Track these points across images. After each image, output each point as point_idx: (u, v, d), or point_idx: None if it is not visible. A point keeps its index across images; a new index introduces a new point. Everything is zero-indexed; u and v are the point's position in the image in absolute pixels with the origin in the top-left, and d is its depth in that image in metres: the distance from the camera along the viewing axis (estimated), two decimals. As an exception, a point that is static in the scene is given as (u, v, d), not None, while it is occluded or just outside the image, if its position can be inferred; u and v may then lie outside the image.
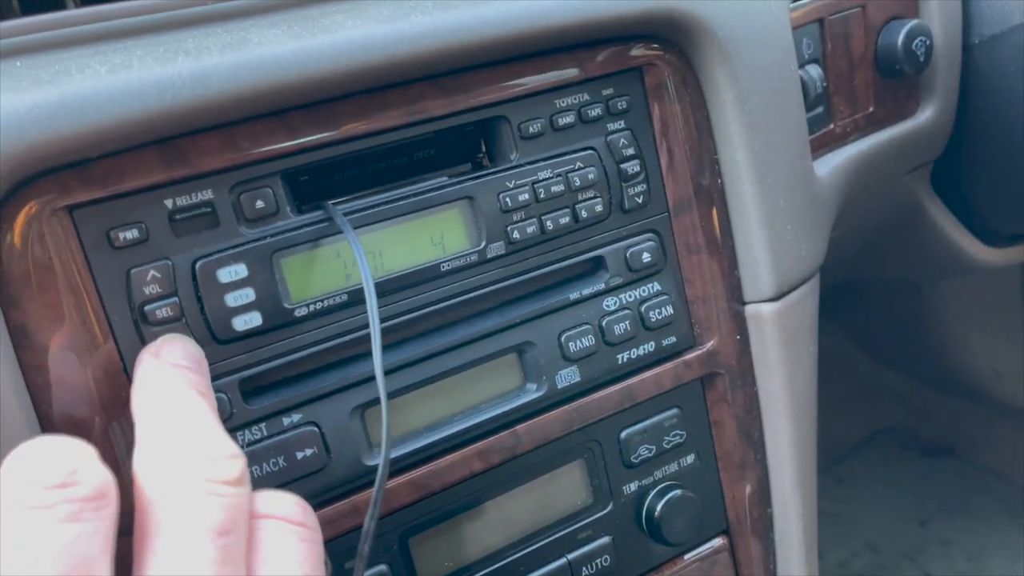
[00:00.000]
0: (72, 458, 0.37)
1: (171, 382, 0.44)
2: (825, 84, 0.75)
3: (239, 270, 0.50)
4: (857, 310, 1.63)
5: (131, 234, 0.47)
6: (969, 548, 1.58)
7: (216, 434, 0.41)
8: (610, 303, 0.63)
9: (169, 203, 0.48)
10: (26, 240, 0.45)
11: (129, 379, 0.47)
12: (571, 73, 0.59)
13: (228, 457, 0.40)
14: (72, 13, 0.52)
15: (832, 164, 0.75)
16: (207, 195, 0.49)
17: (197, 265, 0.49)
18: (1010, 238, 0.99)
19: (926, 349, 1.58)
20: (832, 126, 0.77)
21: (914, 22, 0.78)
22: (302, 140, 0.51)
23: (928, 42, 0.78)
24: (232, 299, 0.50)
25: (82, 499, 0.36)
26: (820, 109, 0.76)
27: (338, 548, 0.55)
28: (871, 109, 0.80)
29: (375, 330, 0.50)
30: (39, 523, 0.35)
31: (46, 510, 0.35)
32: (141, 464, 0.40)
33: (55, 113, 0.43)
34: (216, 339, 0.50)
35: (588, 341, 0.61)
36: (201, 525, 0.38)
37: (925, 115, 0.84)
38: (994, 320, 1.51)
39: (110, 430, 0.47)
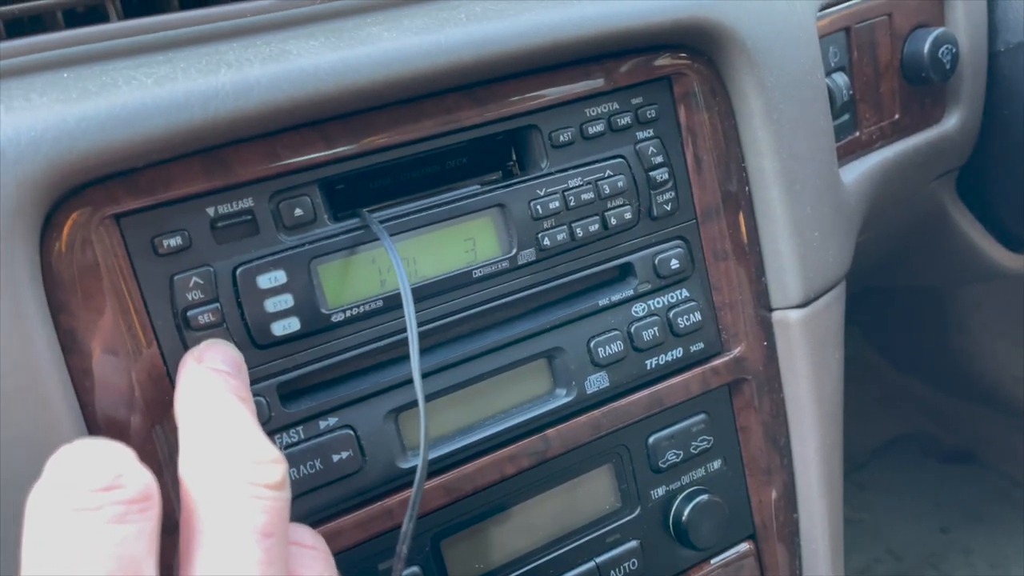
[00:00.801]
0: (116, 461, 0.38)
1: (213, 387, 0.45)
2: (851, 92, 0.76)
3: (278, 276, 0.51)
4: (879, 316, 1.62)
5: (175, 241, 0.49)
6: (991, 555, 1.57)
7: (258, 439, 0.42)
8: (639, 309, 0.63)
9: (211, 211, 0.50)
10: (74, 247, 0.46)
11: (172, 383, 0.49)
12: (601, 83, 0.60)
13: (271, 461, 0.41)
14: (116, 26, 0.54)
15: (858, 171, 0.76)
16: (247, 203, 0.50)
17: (238, 272, 0.50)
18: (1035, 245, 0.98)
19: (948, 356, 1.58)
20: (858, 133, 0.77)
21: (940, 30, 0.78)
22: (339, 150, 0.52)
23: (954, 50, 0.78)
24: (271, 305, 0.51)
25: (127, 501, 0.37)
26: (846, 117, 0.76)
27: (372, 550, 0.56)
28: (897, 116, 0.80)
29: (412, 335, 0.51)
30: (86, 525, 0.36)
31: (93, 512, 0.36)
32: (186, 468, 0.41)
33: (104, 124, 0.45)
34: (255, 344, 0.51)
35: (617, 347, 0.62)
36: (246, 527, 0.39)
37: (951, 122, 0.84)
38: (1018, 327, 1.50)
39: (154, 432, 0.49)
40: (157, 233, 0.48)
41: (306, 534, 0.45)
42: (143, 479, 0.38)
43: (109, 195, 0.47)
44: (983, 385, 1.57)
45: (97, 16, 0.56)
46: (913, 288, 1.50)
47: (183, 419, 0.44)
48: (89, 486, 0.37)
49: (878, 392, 1.78)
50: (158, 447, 0.49)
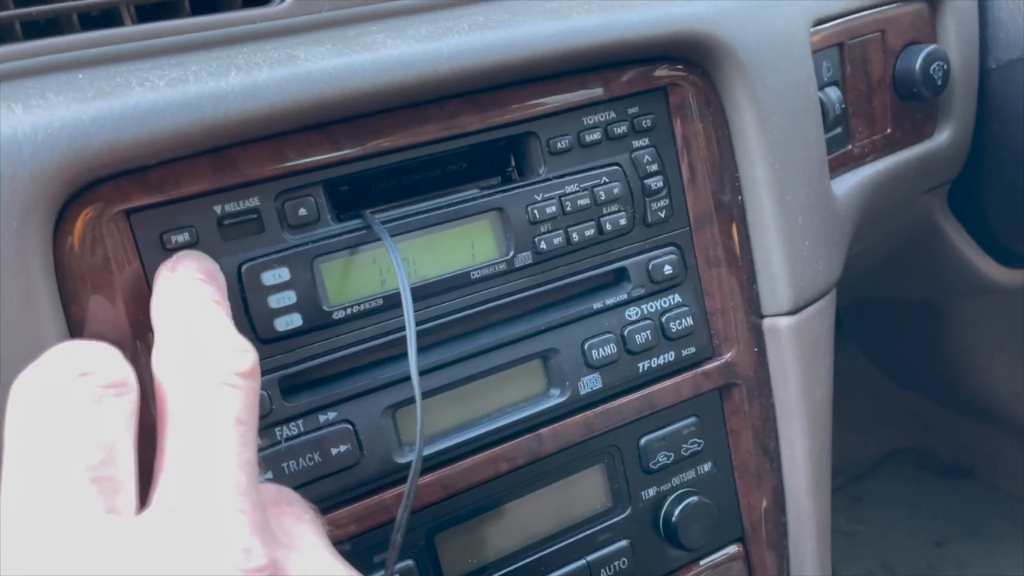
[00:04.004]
0: (96, 353, 0.40)
1: (186, 292, 0.46)
2: (844, 106, 0.77)
3: (282, 274, 0.53)
4: (876, 330, 1.64)
5: (183, 237, 0.50)
6: (985, 570, 1.58)
7: (228, 331, 0.43)
8: (632, 313, 0.65)
9: (218, 209, 0.51)
10: (85, 241, 0.48)
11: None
12: (598, 92, 0.62)
13: (240, 351, 0.42)
14: (129, 29, 0.56)
15: (850, 183, 0.77)
16: (254, 202, 0.52)
17: (243, 268, 0.52)
18: (1026, 259, 1.00)
19: (945, 370, 1.59)
20: (850, 146, 0.79)
21: (932, 47, 0.80)
22: (343, 152, 0.54)
23: (945, 66, 0.80)
24: (275, 301, 0.53)
25: (103, 385, 0.39)
26: (839, 130, 0.78)
27: (368, 542, 0.57)
28: (889, 130, 0.82)
29: (411, 333, 0.52)
30: (62, 405, 0.38)
31: (71, 394, 0.38)
32: (159, 363, 0.42)
33: (118, 123, 0.46)
34: (259, 338, 0.53)
35: (610, 349, 0.64)
36: (219, 413, 0.40)
37: (942, 137, 0.86)
38: (1015, 342, 1.51)
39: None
40: (166, 229, 0.50)
41: (295, 501, 0.45)
42: (120, 367, 0.40)
43: (121, 192, 0.48)
44: (980, 400, 1.58)
45: (111, 20, 0.58)
46: (910, 302, 1.51)
47: (157, 322, 0.45)
48: (68, 373, 0.39)
49: (875, 405, 1.79)
50: (162, 436, 0.50)
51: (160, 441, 0.40)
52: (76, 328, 0.48)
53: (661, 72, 0.64)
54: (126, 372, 0.40)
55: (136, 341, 0.49)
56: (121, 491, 0.37)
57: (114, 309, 0.49)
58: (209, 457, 0.39)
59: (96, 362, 0.39)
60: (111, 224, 0.49)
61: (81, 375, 0.39)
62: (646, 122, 0.64)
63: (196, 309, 0.45)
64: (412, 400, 0.56)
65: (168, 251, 0.50)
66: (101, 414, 0.38)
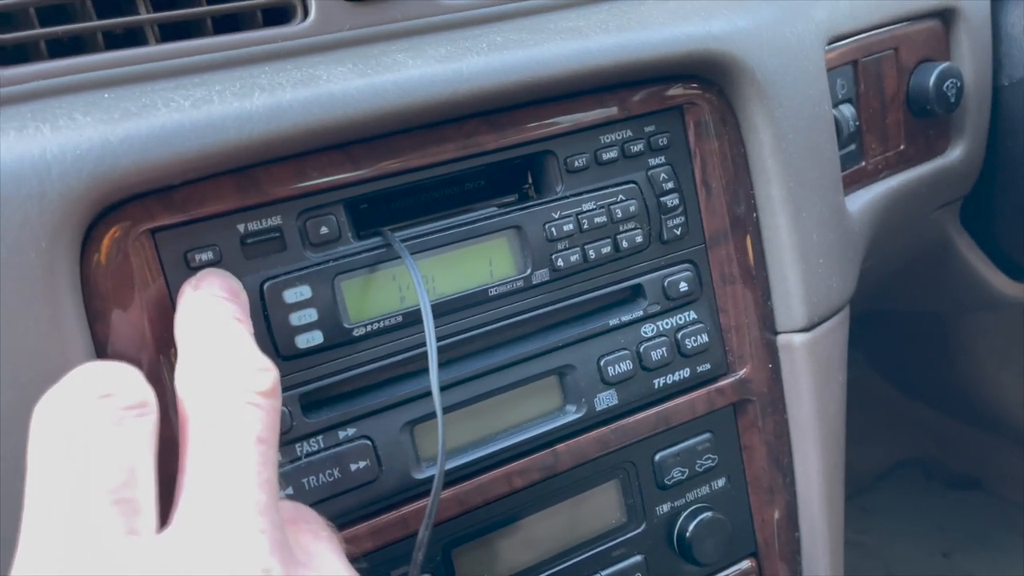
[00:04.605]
0: (117, 375, 0.40)
1: (209, 310, 0.47)
2: (858, 123, 0.78)
3: (304, 291, 0.53)
4: (884, 340, 1.64)
5: (206, 256, 0.51)
6: (993, 582, 1.58)
7: (249, 350, 0.44)
8: (648, 330, 0.65)
9: (241, 228, 0.52)
10: (112, 260, 0.49)
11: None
12: (615, 111, 0.63)
13: (261, 370, 0.42)
14: (154, 49, 0.56)
15: (863, 200, 0.78)
16: (276, 221, 0.53)
17: (265, 286, 0.52)
18: (1038, 274, 1.00)
19: (953, 381, 1.59)
20: (864, 163, 0.79)
21: (945, 64, 0.80)
22: (364, 171, 0.55)
23: (959, 84, 0.81)
24: (296, 318, 0.53)
25: (123, 407, 0.39)
26: (853, 147, 0.78)
27: (386, 556, 0.58)
28: (902, 147, 0.82)
29: (432, 350, 0.53)
30: (86, 427, 0.38)
31: (92, 416, 0.39)
32: (181, 381, 0.43)
33: (145, 144, 0.47)
34: (280, 355, 0.53)
35: (626, 366, 0.64)
36: (240, 432, 0.40)
37: (955, 154, 0.86)
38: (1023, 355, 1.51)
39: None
40: (190, 248, 0.51)
41: (313, 519, 0.46)
42: (141, 388, 0.40)
43: (146, 211, 0.49)
44: (988, 412, 1.58)
45: (135, 39, 0.58)
46: (919, 314, 1.51)
47: (180, 340, 0.46)
48: (89, 395, 0.39)
49: (883, 416, 1.78)
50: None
51: (181, 460, 0.41)
52: (101, 345, 0.48)
53: (677, 91, 0.65)
54: (146, 392, 0.40)
55: (160, 357, 0.50)
56: (142, 512, 0.38)
57: (139, 326, 0.49)
58: (230, 477, 0.39)
59: (117, 383, 0.40)
60: (137, 243, 0.49)
61: (102, 397, 0.39)
62: (662, 140, 0.65)
63: (218, 327, 0.46)
64: (430, 416, 0.56)
65: (192, 269, 0.51)
66: (122, 436, 0.39)
